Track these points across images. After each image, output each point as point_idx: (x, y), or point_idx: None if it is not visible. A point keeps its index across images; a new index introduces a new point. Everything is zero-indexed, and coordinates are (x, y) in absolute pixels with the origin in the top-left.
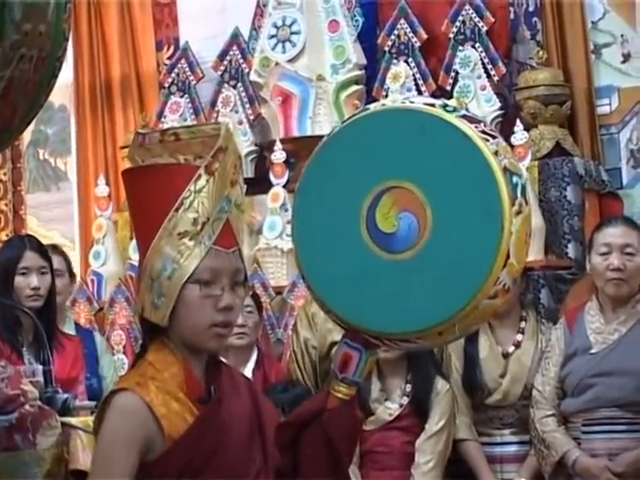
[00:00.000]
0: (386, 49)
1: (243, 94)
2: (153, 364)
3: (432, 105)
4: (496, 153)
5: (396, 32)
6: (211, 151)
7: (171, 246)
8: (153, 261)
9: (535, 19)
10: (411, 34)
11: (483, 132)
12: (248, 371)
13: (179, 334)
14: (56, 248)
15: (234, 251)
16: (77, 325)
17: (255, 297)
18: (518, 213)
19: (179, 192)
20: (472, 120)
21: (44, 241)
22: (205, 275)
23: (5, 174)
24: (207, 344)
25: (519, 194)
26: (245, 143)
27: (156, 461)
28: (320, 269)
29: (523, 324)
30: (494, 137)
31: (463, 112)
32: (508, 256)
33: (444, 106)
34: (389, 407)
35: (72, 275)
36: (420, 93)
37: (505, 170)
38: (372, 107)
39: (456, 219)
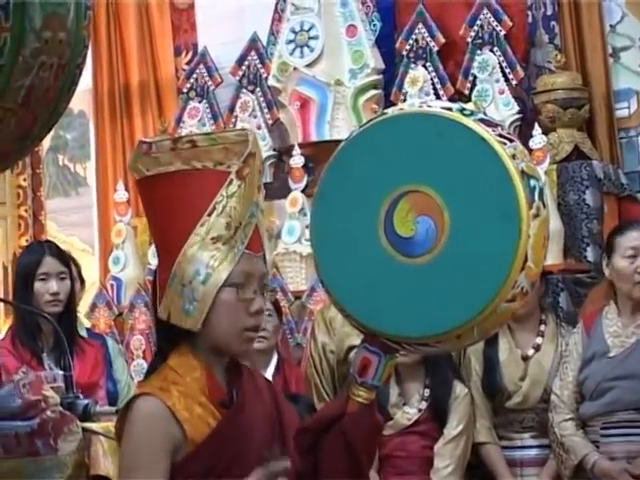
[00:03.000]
0: (404, 53)
1: (261, 99)
2: (175, 369)
3: (449, 109)
4: (513, 156)
5: (414, 36)
6: (236, 157)
7: (204, 251)
8: (184, 267)
9: (553, 23)
10: (429, 38)
11: (500, 135)
12: (268, 375)
13: (209, 339)
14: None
15: (262, 255)
16: (89, 330)
17: (275, 301)
18: (536, 216)
19: (211, 197)
20: (489, 124)
21: (64, 246)
22: (239, 279)
23: (25, 180)
24: (238, 348)
25: (537, 197)
26: (264, 148)
27: (179, 465)
28: (338, 274)
29: (543, 327)
30: (511, 140)
31: (480, 116)
32: (526, 259)
33: (461, 110)
34: (407, 412)
35: (82, 281)
36: (438, 97)
37: (522, 173)
38: (390, 111)
39: (474, 223)
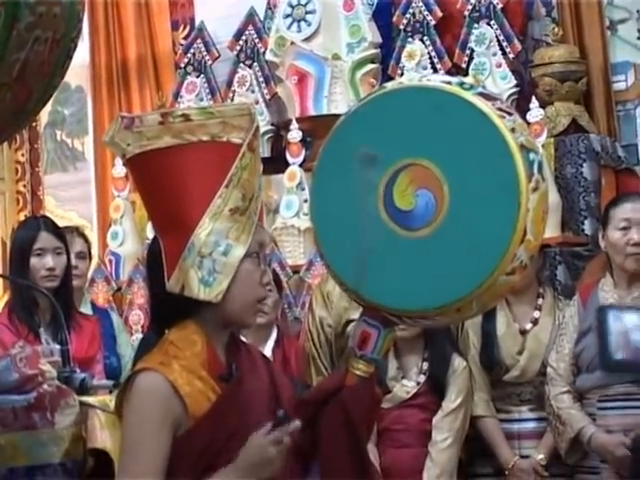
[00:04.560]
0: (401, 27)
1: (259, 74)
2: (175, 343)
3: (449, 83)
4: (513, 130)
5: (411, 10)
6: (234, 130)
7: (222, 223)
8: (203, 239)
9: None
10: (426, 12)
11: (500, 109)
12: (268, 349)
13: (222, 310)
14: (78, 230)
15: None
16: (93, 305)
17: (274, 275)
18: (535, 190)
19: (225, 169)
20: (489, 97)
21: (62, 222)
22: (256, 248)
23: (23, 155)
24: (249, 319)
25: (536, 171)
26: (261, 122)
27: (180, 439)
28: (338, 247)
29: (540, 301)
30: (510, 114)
31: (480, 90)
32: (525, 233)
33: (461, 84)
34: (406, 385)
35: (90, 257)
36: (436, 71)
37: (522, 147)
38: (389, 85)
39: (473, 196)
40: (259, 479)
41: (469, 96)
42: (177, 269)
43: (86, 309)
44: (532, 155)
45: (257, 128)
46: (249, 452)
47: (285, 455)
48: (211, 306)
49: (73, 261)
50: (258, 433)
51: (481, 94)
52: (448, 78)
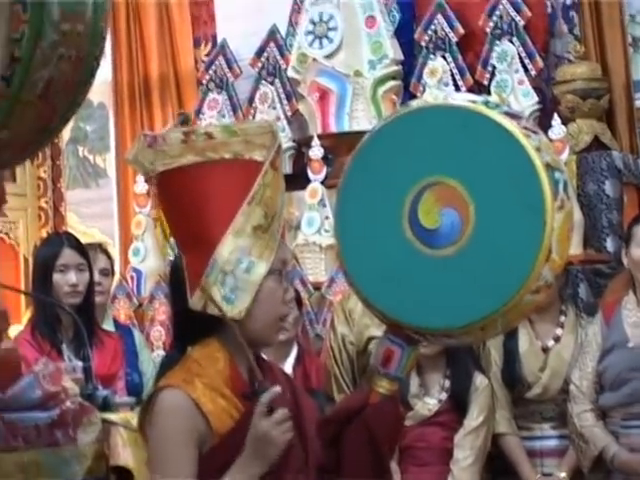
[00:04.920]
0: (423, 44)
1: (280, 90)
2: (198, 361)
3: (474, 102)
4: (538, 149)
5: (433, 27)
6: (257, 148)
7: (245, 240)
8: (225, 256)
9: (572, 13)
10: (448, 29)
11: (525, 128)
12: (288, 366)
13: (244, 328)
14: (102, 247)
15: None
16: (116, 321)
17: (295, 292)
18: (560, 209)
19: (247, 187)
20: (514, 116)
21: (84, 238)
22: (279, 266)
23: (45, 171)
24: (271, 337)
25: (561, 190)
26: (283, 139)
27: (204, 457)
28: (362, 265)
29: (563, 318)
30: (536, 133)
31: (505, 109)
32: (550, 251)
33: (486, 103)
34: (428, 402)
35: (113, 274)
36: (457, 88)
37: (547, 166)
38: (414, 104)
39: (498, 215)
40: (268, 461)
41: (495, 115)
42: (199, 286)
43: (108, 326)
44: (557, 174)
45: (279, 146)
46: (253, 441)
47: (287, 427)
48: (234, 323)
49: (96, 278)
50: (255, 421)
51: (506, 113)
52: (473, 97)
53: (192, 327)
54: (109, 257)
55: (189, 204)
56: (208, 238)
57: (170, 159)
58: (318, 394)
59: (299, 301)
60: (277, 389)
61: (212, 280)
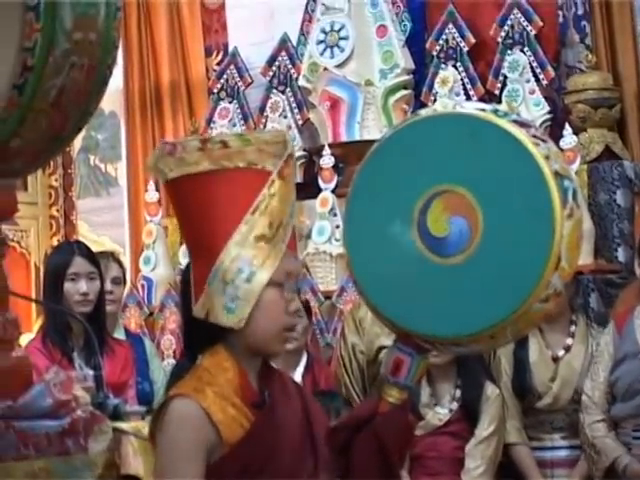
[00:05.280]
0: (434, 54)
1: (292, 99)
2: (208, 369)
3: (483, 110)
4: (547, 157)
5: (444, 37)
6: (269, 157)
7: (247, 249)
8: (227, 265)
9: (584, 22)
10: (459, 38)
11: (534, 136)
12: (298, 375)
13: (247, 338)
14: (114, 256)
15: (296, 254)
16: (126, 330)
17: (304, 301)
18: (569, 217)
19: (252, 196)
20: (523, 125)
21: (95, 247)
22: (281, 278)
23: (56, 180)
24: (276, 347)
25: (570, 198)
26: (294, 148)
27: (214, 466)
28: (371, 274)
29: (573, 328)
30: (545, 141)
31: (514, 117)
32: (559, 260)
33: (495, 111)
34: (439, 412)
35: (125, 283)
36: (468, 97)
37: (556, 174)
38: (423, 112)
39: (507, 223)
40: None
41: (504, 123)
42: (203, 294)
43: (119, 334)
44: (567, 182)
45: (290, 156)
46: None
47: None
48: (237, 333)
49: (109, 286)
50: None
51: (515, 121)
52: (482, 105)
53: (201, 335)
54: (121, 266)
55: (197, 211)
56: (212, 246)
57: (188, 167)
58: (336, 395)
59: (308, 310)
60: None
61: (214, 289)
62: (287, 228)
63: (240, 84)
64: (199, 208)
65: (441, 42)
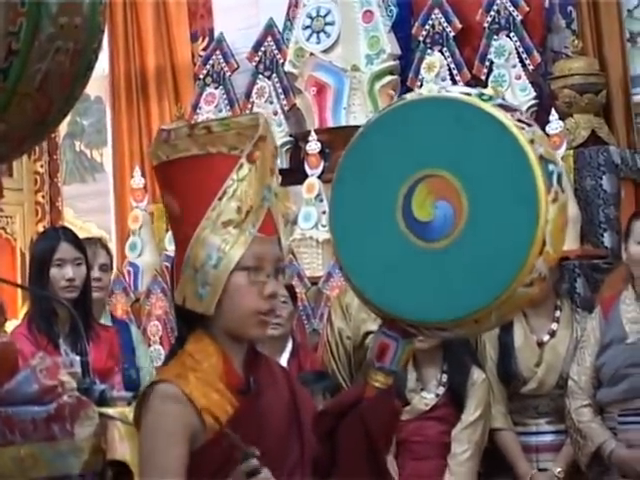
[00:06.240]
0: (420, 39)
1: (278, 85)
2: (192, 355)
3: (468, 94)
4: (532, 141)
5: (430, 22)
6: (248, 141)
7: (215, 235)
8: (196, 251)
9: (570, 8)
10: (445, 24)
11: (519, 120)
12: (283, 361)
13: (223, 323)
14: (102, 242)
15: (275, 238)
16: (113, 316)
17: (289, 287)
18: (554, 201)
19: (221, 181)
20: (508, 109)
21: (81, 233)
22: (251, 262)
23: (42, 166)
24: (251, 331)
25: (555, 182)
26: (280, 134)
27: (197, 452)
28: (357, 259)
29: (558, 313)
30: (530, 125)
31: (499, 101)
32: (544, 244)
33: (480, 95)
34: (425, 397)
35: (112, 270)
36: (455, 83)
37: (541, 158)
38: (408, 97)
39: (492, 207)
40: None
41: (488, 107)
42: (180, 281)
43: (106, 321)
44: (551, 166)
45: (260, 138)
46: None
47: None
48: (214, 318)
49: (96, 273)
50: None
51: (500, 105)
52: (467, 89)
53: (185, 321)
54: (109, 253)
55: (176, 197)
56: (187, 233)
57: (180, 153)
58: (327, 376)
59: (294, 296)
60: (257, 455)
61: (187, 275)
62: (259, 212)
63: (226, 70)
64: (178, 193)
65: (427, 27)
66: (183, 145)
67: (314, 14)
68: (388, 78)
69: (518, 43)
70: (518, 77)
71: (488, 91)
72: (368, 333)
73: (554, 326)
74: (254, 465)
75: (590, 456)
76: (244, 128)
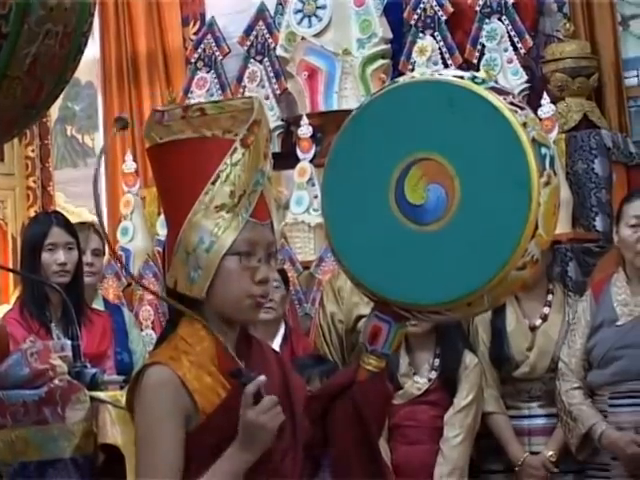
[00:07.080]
0: (412, 23)
1: (269, 69)
2: (185, 338)
3: (461, 77)
4: (524, 124)
5: (422, 5)
6: (243, 125)
7: (208, 219)
8: (189, 235)
9: None
10: (437, 7)
11: (512, 104)
12: (275, 345)
13: (215, 307)
14: (94, 227)
15: (268, 223)
16: (105, 300)
17: (282, 271)
18: (546, 184)
19: (215, 165)
20: (501, 92)
21: (72, 217)
22: (243, 247)
23: (33, 151)
24: (244, 315)
25: (547, 165)
26: (272, 118)
27: (191, 435)
28: (349, 242)
29: (550, 297)
30: (522, 108)
31: (492, 84)
32: (536, 227)
33: (473, 78)
34: (417, 381)
35: (104, 254)
36: (446, 66)
37: (533, 141)
38: (401, 80)
39: (484, 190)
40: (261, 448)
41: (481, 90)
42: (172, 264)
43: (99, 305)
44: (544, 149)
45: (254, 122)
46: (244, 431)
47: (276, 413)
48: (206, 302)
49: (89, 258)
50: (242, 411)
51: (493, 88)
52: (460, 72)
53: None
54: (101, 237)
55: (169, 180)
56: (179, 216)
57: (174, 135)
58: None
59: (286, 280)
60: (262, 378)
61: (178, 258)
62: (252, 197)
63: (217, 54)
64: (171, 176)
65: (419, 11)
66: (177, 127)
67: None
68: (380, 62)
69: (510, 27)
70: (510, 61)
71: (481, 74)
72: (360, 317)
73: (546, 310)
74: (260, 381)
75: (580, 438)
76: (239, 111)
